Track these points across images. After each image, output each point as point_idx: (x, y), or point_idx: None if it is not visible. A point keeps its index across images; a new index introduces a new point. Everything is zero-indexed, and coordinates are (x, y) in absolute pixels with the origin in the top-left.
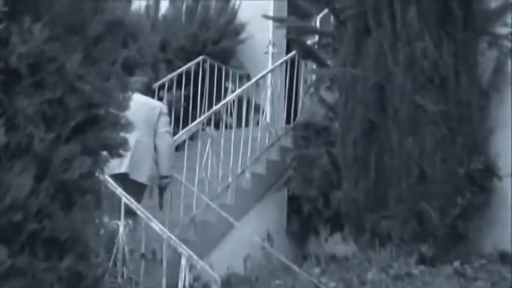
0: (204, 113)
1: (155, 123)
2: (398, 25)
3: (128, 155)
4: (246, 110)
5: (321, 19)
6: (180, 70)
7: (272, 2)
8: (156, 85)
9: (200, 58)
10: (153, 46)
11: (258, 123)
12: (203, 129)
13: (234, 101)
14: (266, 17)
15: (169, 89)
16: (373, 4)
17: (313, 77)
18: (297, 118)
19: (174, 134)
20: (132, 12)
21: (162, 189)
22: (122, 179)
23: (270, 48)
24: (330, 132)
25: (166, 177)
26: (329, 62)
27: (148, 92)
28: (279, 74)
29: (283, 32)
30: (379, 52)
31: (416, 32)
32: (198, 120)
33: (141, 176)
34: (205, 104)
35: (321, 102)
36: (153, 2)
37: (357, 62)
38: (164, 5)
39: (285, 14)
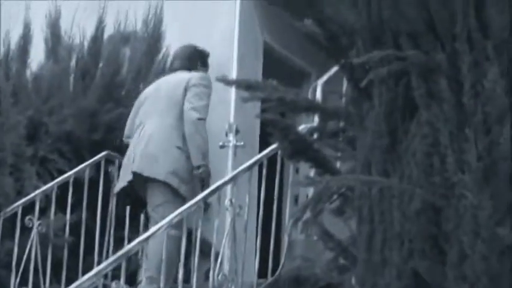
0: (106, 256)
1: (180, 102)
2: (467, 98)
3: (140, 148)
4: (186, 253)
5: (325, 86)
6: (63, 177)
7: (235, 52)
8: (18, 205)
9: (101, 155)
10: (13, 131)
11: (207, 277)
12: None
13: None
14: (223, 80)
15: (44, 212)
16: (421, 58)
17: (310, 191)
18: (280, 268)
19: None
20: None
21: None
22: (145, 181)
23: (231, 139)
24: None
25: (198, 167)
26: (339, 165)
27: (193, 64)
28: (247, 187)
29: (254, 109)
30: (433, 147)
31: (502, 110)
32: (95, 270)
33: (156, 171)
34: (109, 240)
35: (324, 238)
36: (16, 51)
37: (392, 165)
38: (37, 58)
39: (258, 75)
